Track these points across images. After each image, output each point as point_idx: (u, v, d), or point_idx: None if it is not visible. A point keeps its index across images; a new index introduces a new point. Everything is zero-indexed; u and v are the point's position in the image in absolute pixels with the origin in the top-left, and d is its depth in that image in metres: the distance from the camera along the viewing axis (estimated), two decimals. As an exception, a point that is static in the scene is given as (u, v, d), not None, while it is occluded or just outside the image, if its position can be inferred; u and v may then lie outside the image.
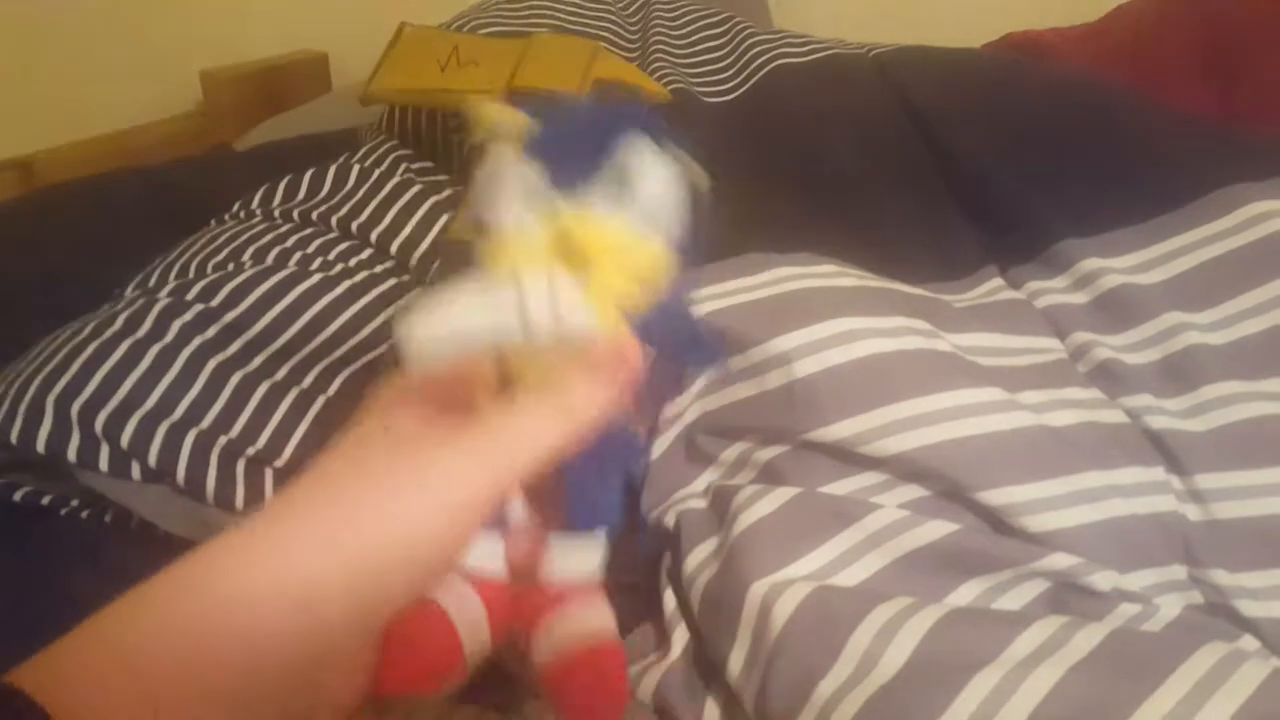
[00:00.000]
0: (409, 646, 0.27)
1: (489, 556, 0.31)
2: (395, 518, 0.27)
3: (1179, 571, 0.45)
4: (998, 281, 0.58)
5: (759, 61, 0.77)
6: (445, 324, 0.29)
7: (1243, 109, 0.75)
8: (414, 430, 0.31)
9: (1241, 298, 0.51)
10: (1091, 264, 0.55)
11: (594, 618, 0.32)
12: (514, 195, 0.32)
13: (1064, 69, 0.79)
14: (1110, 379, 0.51)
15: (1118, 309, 0.53)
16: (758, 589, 0.42)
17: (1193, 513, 0.46)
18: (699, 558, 0.46)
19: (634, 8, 0.88)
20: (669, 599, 0.47)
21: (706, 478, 0.51)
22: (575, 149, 0.32)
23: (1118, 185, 0.59)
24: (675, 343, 0.36)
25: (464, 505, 0.28)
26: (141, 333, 0.55)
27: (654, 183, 0.32)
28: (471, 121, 0.33)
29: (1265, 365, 0.49)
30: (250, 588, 0.25)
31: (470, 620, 0.29)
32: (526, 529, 0.33)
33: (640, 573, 0.49)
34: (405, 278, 0.60)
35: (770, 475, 0.49)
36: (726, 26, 0.83)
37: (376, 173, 0.66)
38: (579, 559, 0.33)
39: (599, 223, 0.32)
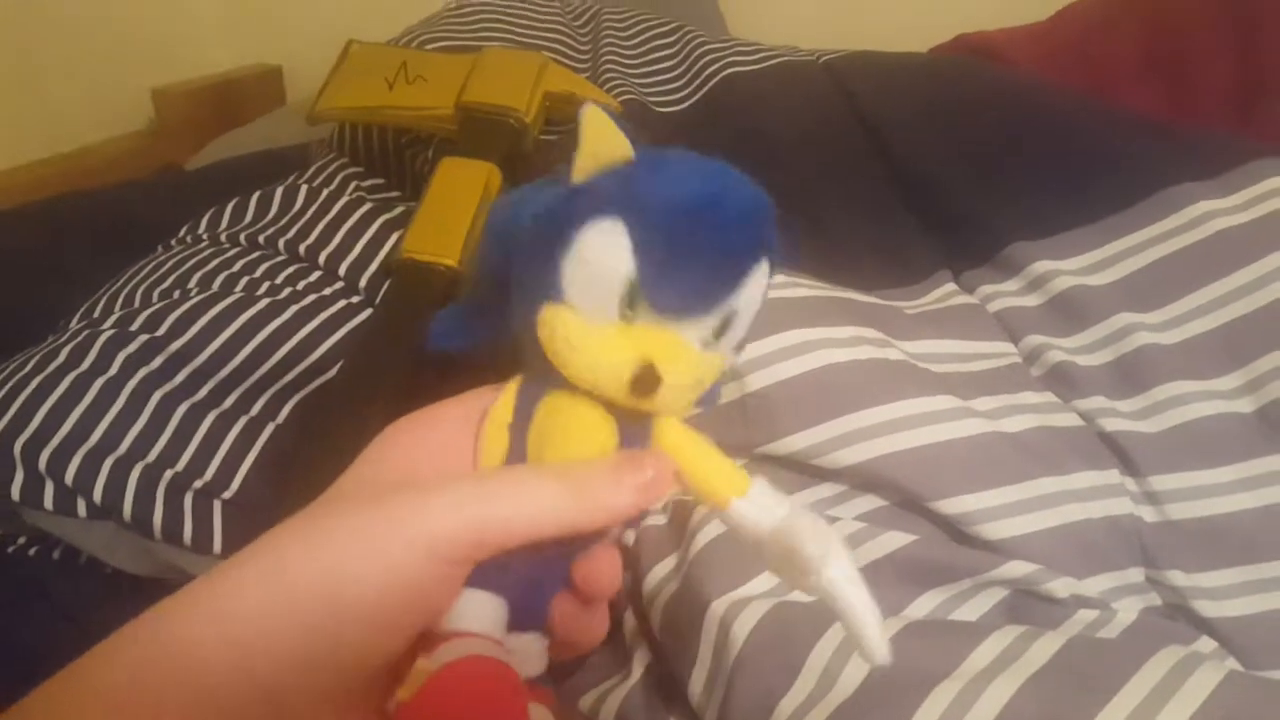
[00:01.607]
0: (459, 693, 0.25)
1: (480, 620, 0.28)
2: (335, 572, 0.25)
3: (1136, 574, 0.45)
4: (950, 286, 0.58)
5: (710, 70, 0.77)
6: None
7: (1189, 109, 0.75)
8: (394, 475, 0.30)
9: (1190, 297, 0.51)
10: (1043, 266, 0.55)
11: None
12: (609, 293, 0.28)
13: (1013, 71, 0.80)
14: (1064, 382, 0.51)
15: (1069, 311, 0.54)
16: (717, 607, 0.42)
17: (1148, 514, 0.47)
18: (658, 576, 0.46)
19: (585, 19, 0.88)
20: (629, 620, 0.47)
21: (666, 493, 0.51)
22: (693, 262, 0.28)
23: (1067, 186, 0.59)
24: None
25: (428, 556, 0.26)
26: (85, 366, 0.54)
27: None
28: (577, 133, 0.29)
29: (1215, 364, 0.49)
30: (198, 639, 0.25)
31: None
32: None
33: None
34: (355, 299, 0.59)
35: (728, 489, 0.48)
36: (677, 36, 0.83)
37: (325, 192, 0.65)
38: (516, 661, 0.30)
39: (668, 344, 0.28)
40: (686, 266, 0.27)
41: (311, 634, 0.25)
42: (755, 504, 0.29)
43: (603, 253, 0.27)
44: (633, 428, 0.30)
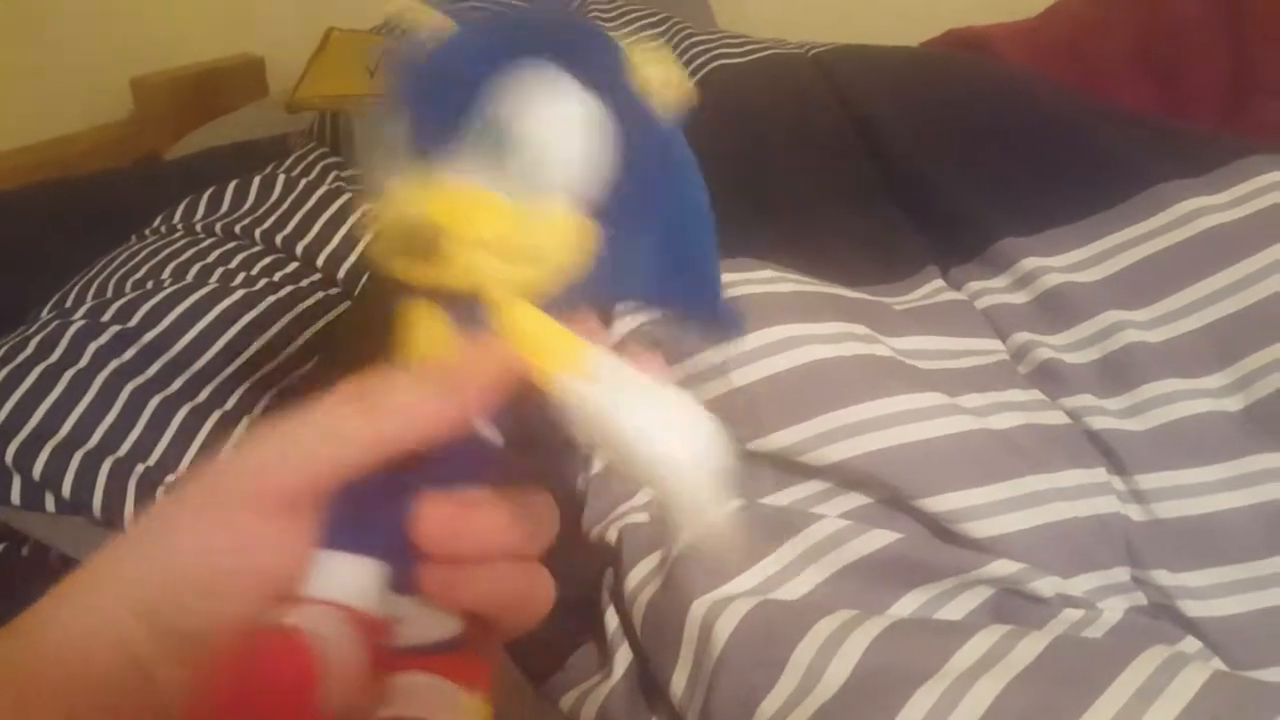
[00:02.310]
0: (247, 673, 0.23)
1: (343, 585, 0.25)
2: (167, 545, 0.25)
3: (1122, 574, 0.45)
4: (938, 283, 0.58)
5: (698, 63, 0.76)
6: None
7: (1179, 106, 0.75)
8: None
9: (1179, 294, 0.51)
10: (1031, 263, 0.55)
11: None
12: (383, 158, 0.24)
13: (1002, 67, 0.79)
14: (1051, 379, 0.51)
15: (1057, 308, 0.53)
16: (699, 606, 0.41)
17: (1135, 513, 0.46)
18: (641, 574, 0.45)
19: (571, 8, 0.87)
20: (611, 618, 0.46)
21: (648, 489, 0.50)
22: (451, 84, 0.24)
23: (1056, 183, 0.59)
24: (692, 309, 0.31)
25: (263, 505, 0.25)
26: (54, 357, 0.53)
27: (541, 126, 0.24)
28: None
29: (1202, 362, 0.49)
30: (74, 631, 0.24)
31: (339, 651, 0.24)
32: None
33: (581, 591, 0.48)
34: (333, 290, 0.58)
35: (713, 486, 0.48)
36: (665, 27, 0.82)
37: (304, 182, 0.64)
38: (421, 625, 0.27)
39: (457, 199, 0.24)
40: (424, 91, 0.24)
41: (163, 605, 0.24)
42: (597, 369, 0.24)
43: (393, 129, 0.25)
44: (474, 324, 0.25)
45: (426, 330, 0.26)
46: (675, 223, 0.28)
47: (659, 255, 0.27)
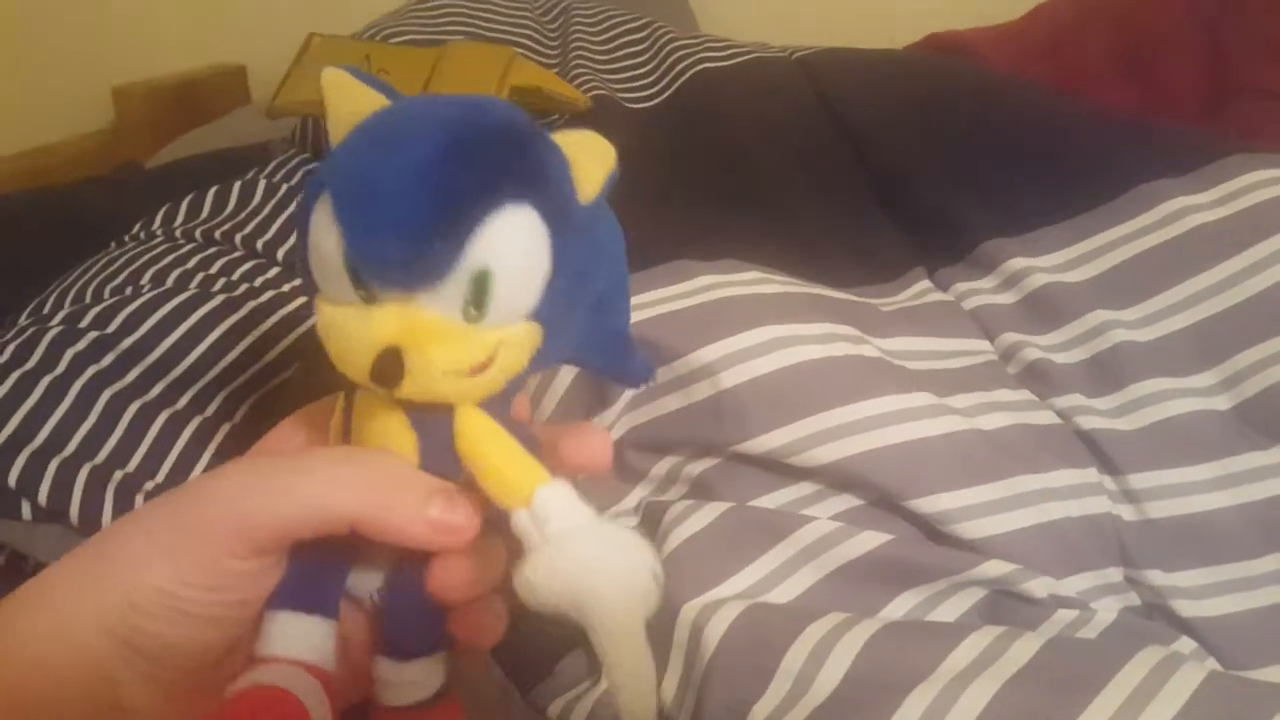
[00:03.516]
0: None
1: (305, 644, 0.27)
2: (156, 563, 0.25)
3: (1115, 574, 0.44)
4: (925, 284, 0.58)
5: (681, 66, 0.76)
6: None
7: (1159, 106, 0.76)
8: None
9: (1166, 294, 0.51)
10: (1018, 263, 0.55)
11: None
12: (338, 274, 0.25)
13: (985, 69, 0.80)
14: (1040, 379, 0.50)
15: (1045, 308, 0.53)
16: (688, 611, 0.41)
17: (1127, 513, 0.46)
18: (629, 579, 0.45)
19: (553, 13, 0.87)
20: (599, 624, 0.45)
21: (638, 494, 0.50)
22: (390, 216, 0.24)
23: (1041, 183, 0.59)
24: (604, 360, 0.32)
25: (227, 551, 0.25)
26: (31, 363, 0.52)
27: (515, 268, 0.25)
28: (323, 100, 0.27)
29: (1191, 361, 0.49)
30: (36, 643, 0.25)
31: (316, 710, 0.25)
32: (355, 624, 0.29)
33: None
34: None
35: (701, 489, 0.47)
36: (648, 31, 0.82)
37: (285, 187, 0.63)
38: (406, 689, 0.29)
39: (426, 328, 0.25)
40: (389, 228, 0.24)
41: (121, 627, 0.25)
42: (543, 511, 0.26)
43: (319, 233, 0.25)
44: (430, 421, 0.27)
45: (383, 424, 0.27)
46: (600, 296, 0.29)
47: (584, 325, 0.29)
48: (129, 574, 0.25)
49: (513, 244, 0.25)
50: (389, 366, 0.24)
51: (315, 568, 0.28)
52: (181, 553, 0.25)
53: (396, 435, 0.27)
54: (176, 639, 0.25)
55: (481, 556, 0.28)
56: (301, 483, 0.26)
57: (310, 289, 0.27)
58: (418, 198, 0.24)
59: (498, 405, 0.28)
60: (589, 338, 0.30)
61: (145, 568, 0.25)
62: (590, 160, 0.27)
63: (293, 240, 0.60)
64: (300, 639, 0.27)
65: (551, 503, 0.26)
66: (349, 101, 0.26)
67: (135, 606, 0.25)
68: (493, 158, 0.25)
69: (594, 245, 0.28)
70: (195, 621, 0.26)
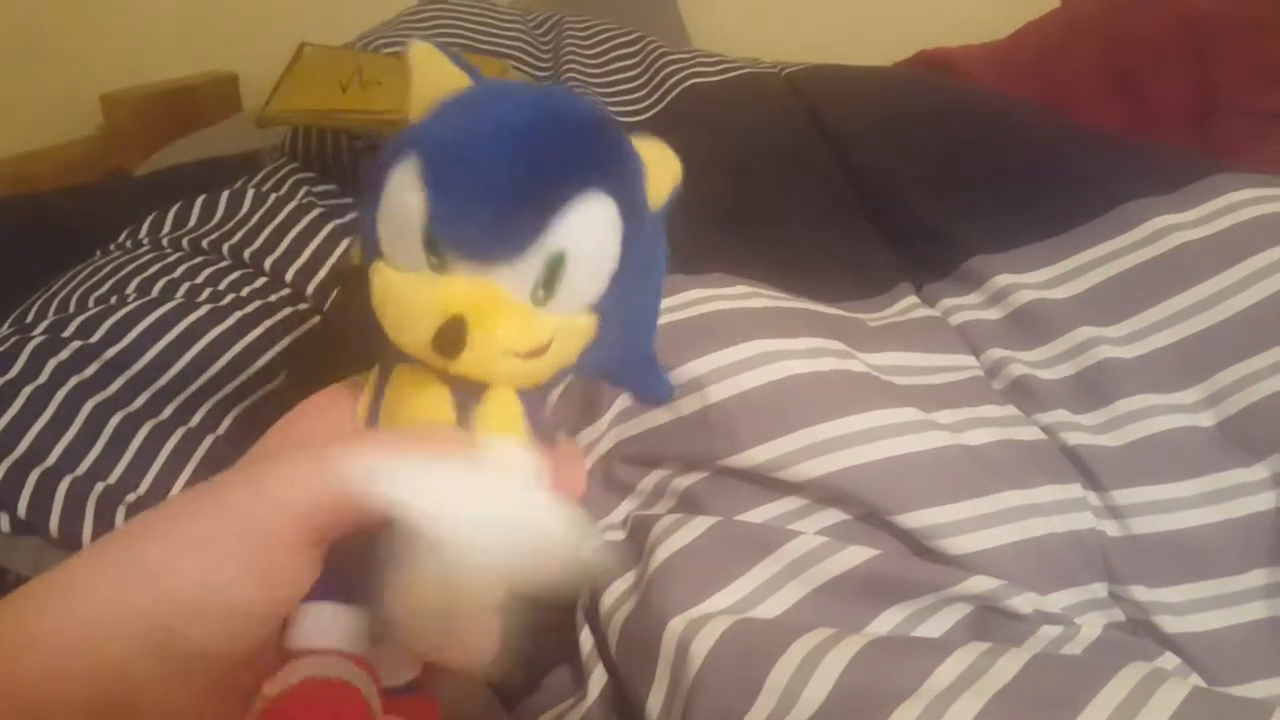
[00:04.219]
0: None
1: (343, 634, 0.26)
2: (172, 570, 0.24)
3: (1100, 590, 0.44)
4: (912, 299, 0.58)
5: (672, 81, 0.76)
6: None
7: (1146, 125, 0.76)
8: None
9: (1151, 311, 0.51)
10: (1003, 280, 0.55)
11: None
12: (412, 239, 0.25)
13: (972, 86, 0.80)
14: (1025, 395, 0.51)
15: (1031, 324, 0.53)
16: (675, 625, 0.41)
17: (1111, 529, 0.46)
18: (616, 593, 0.44)
19: (545, 27, 0.87)
20: (585, 639, 0.45)
21: (625, 507, 0.49)
22: (483, 187, 0.24)
23: (1027, 200, 0.59)
24: (633, 376, 0.32)
25: (264, 542, 0.25)
26: (13, 373, 0.51)
27: (592, 256, 0.25)
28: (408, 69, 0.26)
29: (1176, 378, 0.49)
30: (37, 634, 0.24)
31: (372, 701, 0.25)
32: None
33: (555, 612, 0.47)
34: (302, 306, 0.57)
35: (689, 503, 0.47)
36: (639, 46, 0.82)
37: (274, 197, 0.63)
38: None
39: (496, 305, 0.25)
40: (479, 197, 0.24)
41: (154, 629, 0.24)
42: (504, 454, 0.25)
43: (400, 193, 0.25)
44: (472, 402, 0.26)
45: (426, 400, 0.26)
46: (641, 310, 0.29)
47: (623, 337, 0.29)
48: (167, 576, 0.24)
49: (591, 231, 0.25)
50: (454, 335, 0.24)
51: (349, 558, 0.27)
52: (229, 549, 0.24)
53: (438, 413, 0.26)
54: (216, 639, 0.24)
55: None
56: (341, 469, 0.25)
57: (371, 252, 0.26)
58: (513, 169, 0.24)
59: (535, 400, 0.28)
60: (623, 353, 0.30)
61: (186, 567, 0.24)
62: (661, 168, 0.28)
63: (286, 245, 0.59)
64: (343, 630, 0.26)
65: (515, 455, 0.25)
66: (434, 74, 0.26)
67: (175, 608, 0.24)
68: (585, 144, 0.25)
69: (654, 251, 0.28)
70: (238, 621, 0.25)
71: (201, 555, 0.24)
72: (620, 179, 0.26)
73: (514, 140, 0.24)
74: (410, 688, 0.28)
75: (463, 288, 0.25)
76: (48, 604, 0.24)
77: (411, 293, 0.25)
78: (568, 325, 0.26)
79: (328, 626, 0.26)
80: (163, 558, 0.24)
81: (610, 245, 0.26)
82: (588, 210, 0.25)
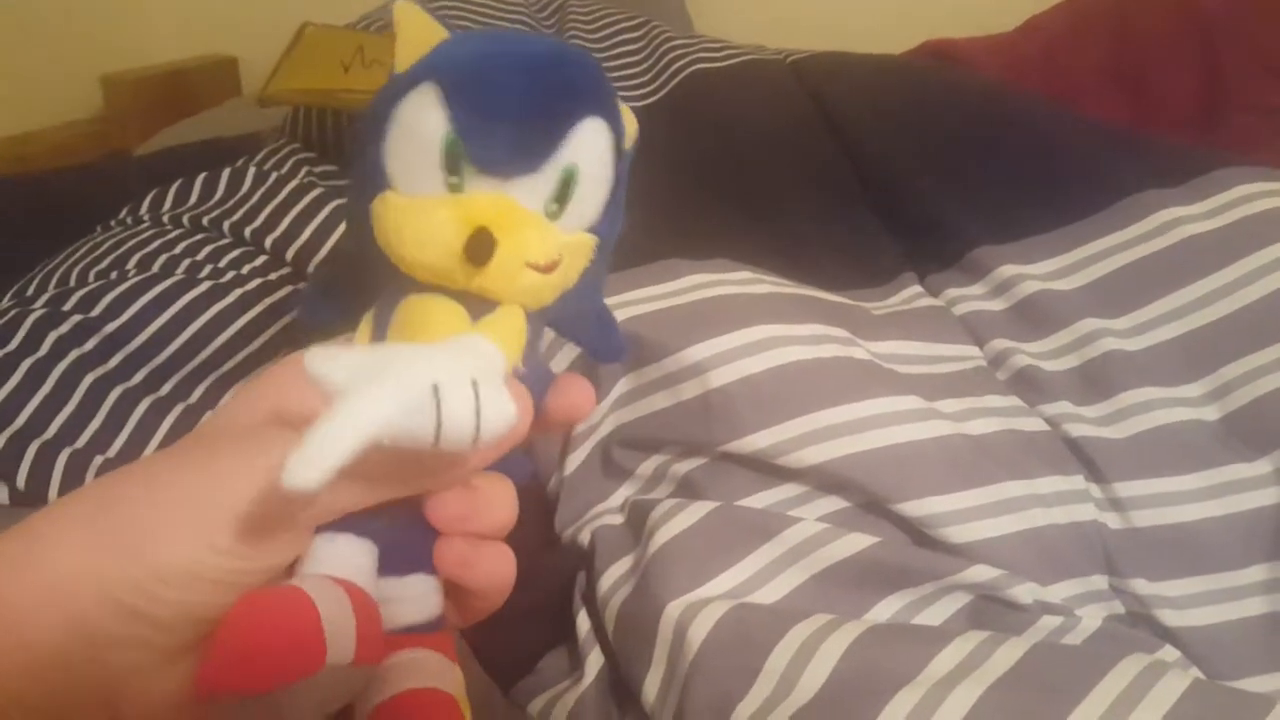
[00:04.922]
0: (250, 625, 0.22)
1: (340, 562, 0.26)
2: (148, 529, 0.24)
3: (1100, 581, 0.44)
4: (916, 289, 0.58)
5: (676, 66, 0.76)
6: (349, 419, 0.22)
7: (1153, 119, 0.76)
8: (263, 414, 0.27)
9: (1156, 303, 0.51)
10: (1008, 270, 0.55)
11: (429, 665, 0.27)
12: (429, 162, 0.26)
13: (979, 77, 0.80)
14: (1029, 386, 0.50)
15: (1035, 315, 0.53)
16: (673, 609, 0.40)
17: (1113, 521, 0.46)
18: (614, 576, 0.44)
19: (549, 9, 0.87)
20: (583, 621, 0.45)
21: (624, 492, 0.49)
22: (506, 103, 0.26)
23: (1033, 192, 0.59)
24: (592, 332, 0.34)
25: (244, 505, 0.24)
26: (13, 346, 0.51)
27: (599, 175, 0.28)
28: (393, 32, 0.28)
29: (1180, 371, 0.49)
30: (15, 595, 0.23)
31: (335, 616, 0.24)
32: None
33: (552, 595, 0.47)
34: (302, 285, 0.57)
35: (688, 488, 0.47)
36: (643, 30, 0.82)
37: (275, 176, 0.63)
38: (409, 607, 0.28)
39: (522, 219, 0.26)
40: (503, 113, 0.26)
41: (130, 593, 0.23)
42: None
43: (417, 118, 0.26)
44: (478, 313, 0.27)
45: (443, 322, 0.27)
46: (607, 250, 0.31)
47: (581, 290, 0.30)
48: (150, 543, 0.24)
49: (595, 149, 0.27)
50: (483, 243, 0.25)
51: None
52: (212, 519, 0.24)
53: (451, 317, 0.27)
54: (196, 606, 0.24)
55: (477, 494, 0.28)
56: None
57: (372, 188, 0.27)
58: (532, 89, 0.26)
59: (535, 326, 0.29)
60: (586, 303, 0.32)
61: (169, 535, 0.24)
62: (629, 118, 0.30)
63: (287, 224, 0.59)
64: (336, 557, 0.26)
65: (485, 346, 0.26)
66: (418, 30, 0.28)
67: (158, 576, 0.23)
68: (585, 75, 0.28)
69: (622, 196, 0.30)
70: (222, 588, 0.24)
71: (183, 524, 0.24)
72: (611, 109, 0.28)
73: (527, 65, 0.26)
74: (434, 625, 0.28)
75: (485, 202, 0.26)
76: (20, 563, 0.23)
77: (431, 212, 0.26)
78: (574, 243, 0.28)
79: (333, 557, 0.26)
80: (143, 526, 0.24)
81: (608, 167, 0.28)
82: (591, 129, 0.27)
